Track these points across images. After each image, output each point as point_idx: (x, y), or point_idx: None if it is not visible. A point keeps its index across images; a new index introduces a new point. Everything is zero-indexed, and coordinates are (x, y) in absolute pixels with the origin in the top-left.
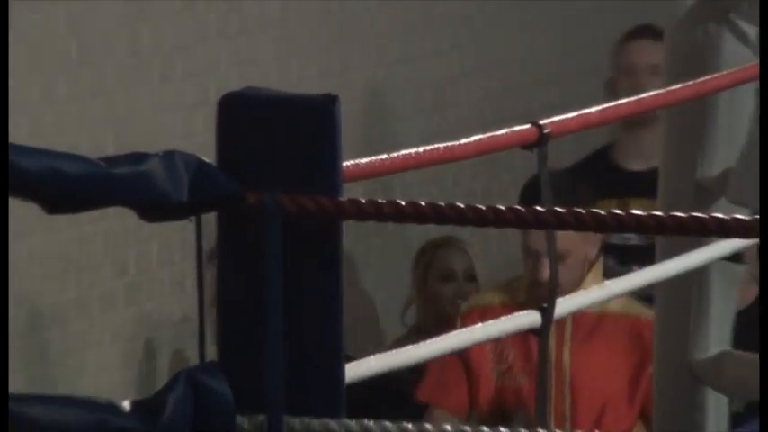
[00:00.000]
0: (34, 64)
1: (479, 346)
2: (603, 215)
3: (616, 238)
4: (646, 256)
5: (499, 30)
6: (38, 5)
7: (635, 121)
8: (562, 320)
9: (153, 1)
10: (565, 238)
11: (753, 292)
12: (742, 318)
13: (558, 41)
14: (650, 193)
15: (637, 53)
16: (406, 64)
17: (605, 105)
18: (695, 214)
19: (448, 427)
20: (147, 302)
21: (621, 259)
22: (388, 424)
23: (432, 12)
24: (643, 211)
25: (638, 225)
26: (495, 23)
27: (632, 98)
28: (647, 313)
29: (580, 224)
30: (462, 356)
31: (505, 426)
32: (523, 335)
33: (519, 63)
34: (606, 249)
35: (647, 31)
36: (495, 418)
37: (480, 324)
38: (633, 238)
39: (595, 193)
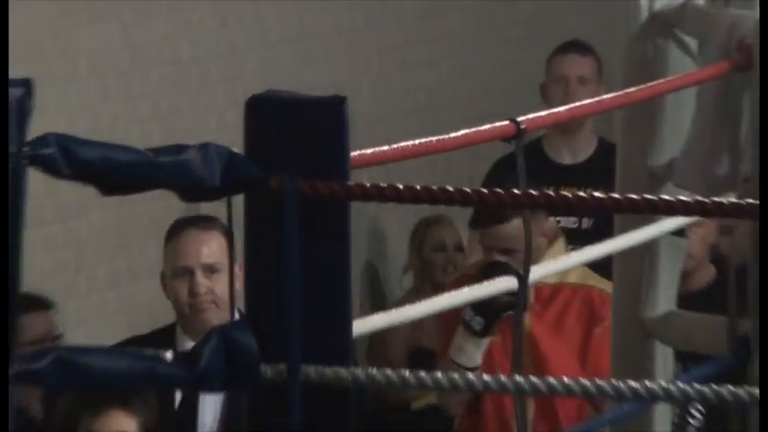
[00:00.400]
0: (92, 71)
1: (460, 308)
2: (572, 198)
3: (565, 222)
4: (592, 238)
5: (483, 42)
6: (97, 22)
7: (567, 124)
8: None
9: (192, 18)
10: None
11: (709, 273)
12: (700, 298)
13: (534, 52)
14: (577, 183)
15: (567, 65)
16: (404, 72)
17: (572, 105)
18: (647, 196)
19: (439, 374)
20: None
21: (570, 242)
22: (390, 372)
23: (425, 26)
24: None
25: (600, 206)
26: (479, 37)
27: (594, 99)
28: (600, 285)
29: (551, 205)
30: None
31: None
32: None
33: (499, 71)
34: None
35: (576, 46)
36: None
37: (467, 288)
38: (584, 222)
39: (529, 181)
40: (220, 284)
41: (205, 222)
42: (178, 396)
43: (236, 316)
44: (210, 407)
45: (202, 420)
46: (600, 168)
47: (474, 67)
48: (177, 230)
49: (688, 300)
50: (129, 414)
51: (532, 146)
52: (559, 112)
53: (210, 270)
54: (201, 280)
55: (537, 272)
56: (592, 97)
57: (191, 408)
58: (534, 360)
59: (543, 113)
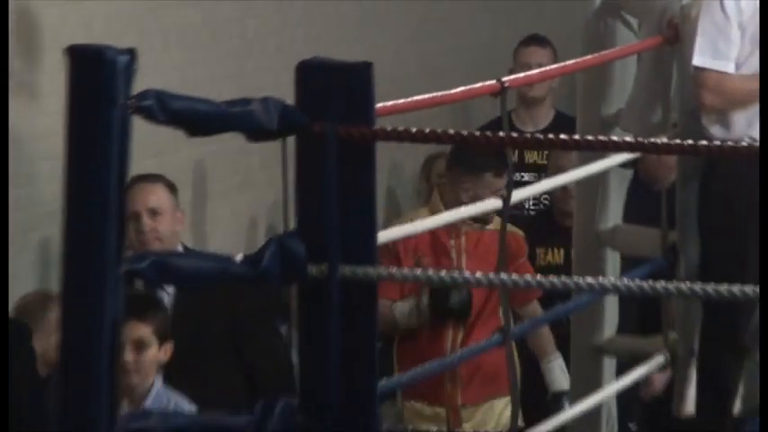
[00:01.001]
0: (180, 43)
1: (404, 243)
2: (545, 139)
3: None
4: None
5: (477, 23)
6: (183, 7)
7: (529, 99)
8: (458, 235)
9: (255, 3)
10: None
11: None
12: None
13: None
14: (537, 147)
15: (529, 55)
16: (418, 44)
17: (545, 69)
18: (600, 137)
19: (443, 273)
20: (251, 194)
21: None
22: (406, 271)
23: (439, 6)
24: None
25: (564, 145)
26: (472, 19)
27: (561, 64)
28: (514, 229)
29: (527, 144)
30: (393, 252)
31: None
32: (435, 235)
33: (488, 47)
34: None
35: (536, 39)
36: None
37: (453, 210)
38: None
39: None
40: (163, 224)
41: (152, 177)
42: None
43: (181, 249)
44: None
45: None
46: (556, 135)
47: (470, 42)
48: (130, 184)
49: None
50: (144, 323)
51: (500, 119)
52: (534, 73)
53: (154, 213)
54: (147, 221)
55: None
56: (551, 80)
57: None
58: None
59: (521, 75)
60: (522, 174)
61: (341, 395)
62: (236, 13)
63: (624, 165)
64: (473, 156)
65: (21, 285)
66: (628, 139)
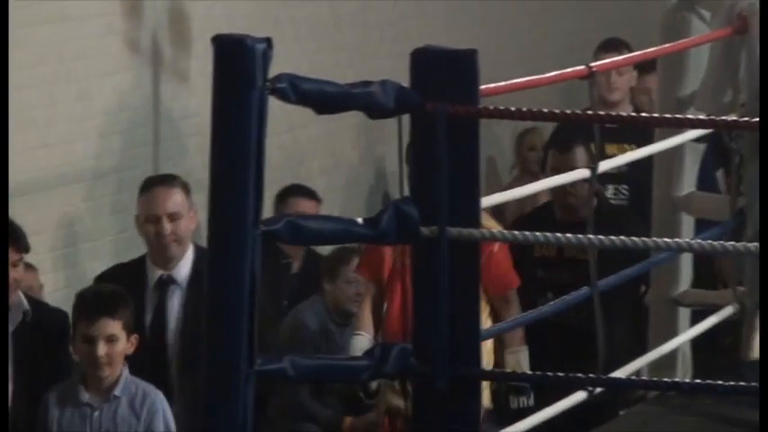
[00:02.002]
0: (310, 34)
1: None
2: (627, 116)
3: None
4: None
5: (564, 13)
6: (309, 2)
7: (608, 102)
8: None
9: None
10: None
11: None
12: None
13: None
14: (617, 140)
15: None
16: (513, 34)
17: (631, 54)
18: (678, 116)
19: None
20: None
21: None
22: (507, 233)
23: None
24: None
25: (646, 123)
26: (556, 12)
27: (645, 51)
28: (489, 222)
29: (611, 121)
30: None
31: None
32: None
33: (577, 33)
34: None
35: (611, 45)
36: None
37: (551, 178)
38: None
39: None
40: (180, 227)
41: (170, 180)
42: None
43: (192, 249)
44: (174, 307)
45: (170, 317)
46: (632, 129)
47: (558, 32)
48: (149, 186)
49: None
50: (115, 319)
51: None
52: (620, 59)
53: (173, 217)
54: (166, 225)
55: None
56: (628, 84)
57: (161, 307)
58: None
59: (608, 60)
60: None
61: (448, 341)
62: (357, 7)
63: (698, 140)
64: (564, 137)
65: None
66: (701, 116)
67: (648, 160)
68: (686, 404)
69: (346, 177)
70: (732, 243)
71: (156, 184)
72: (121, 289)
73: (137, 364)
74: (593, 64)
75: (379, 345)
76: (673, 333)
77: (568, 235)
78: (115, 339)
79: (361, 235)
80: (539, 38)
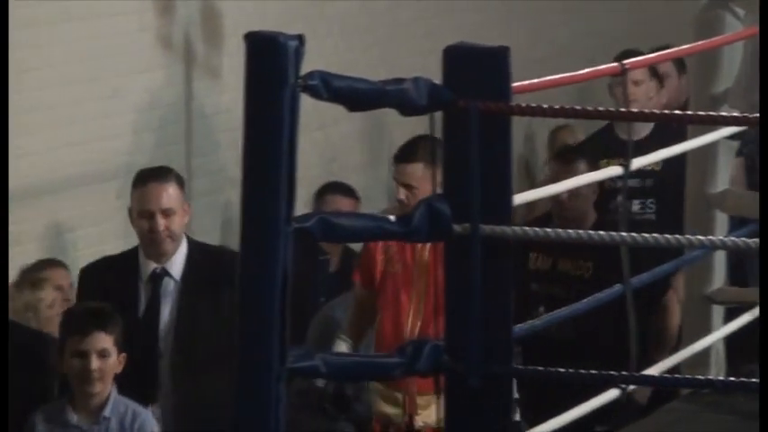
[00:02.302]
0: (343, 30)
1: (376, 242)
2: (661, 114)
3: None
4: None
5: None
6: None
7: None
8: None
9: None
10: (412, 176)
11: None
12: None
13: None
14: (654, 120)
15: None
16: (538, 32)
17: (663, 52)
18: (711, 113)
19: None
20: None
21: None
22: (540, 231)
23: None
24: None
25: (681, 119)
26: (580, 12)
27: (679, 48)
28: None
29: (642, 118)
30: (369, 247)
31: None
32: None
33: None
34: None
35: (630, 55)
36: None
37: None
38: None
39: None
40: (174, 223)
41: (164, 174)
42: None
43: (185, 242)
44: (168, 301)
45: (163, 310)
46: (655, 142)
47: (591, 29)
48: (143, 180)
49: None
50: (106, 333)
51: (608, 127)
52: (652, 57)
53: (166, 213)
54: (160, 221)
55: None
56: (646, 94)
57: (155, 300)
58: (427, 283)
59: (640, 58)
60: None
61: (481, 338)
62: (389, 4)
63: (731, 137)
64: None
65: (208, 241)
66: (735, 114)
67: (676, 176)
68: (719, 401)
69: (379, 175)
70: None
71: (150, 178)
72: (110, 306)
73: (128, 356)
74: (625, 61)
75: (411, 342)
76: (706, 331)
77: (601, 232)
78: (107, 354)
79: (392, 232)
80: (569, 36)
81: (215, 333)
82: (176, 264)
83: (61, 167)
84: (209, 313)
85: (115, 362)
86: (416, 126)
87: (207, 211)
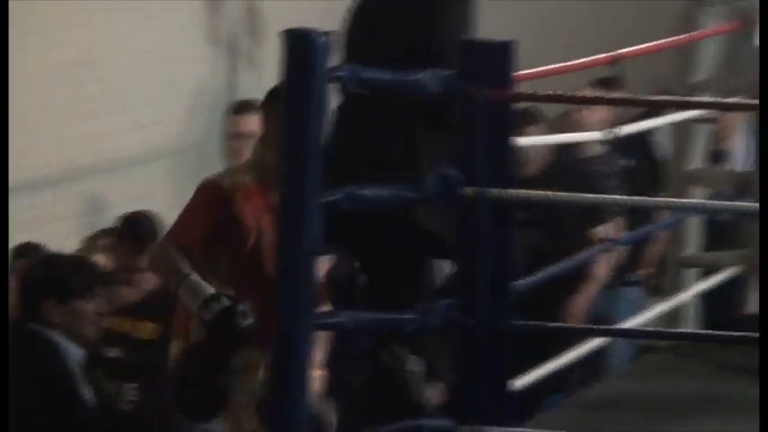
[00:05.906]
0: None
1: (251, 208)
2: (650, 99)
3: None
4: None
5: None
6: None
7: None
8: None
9: None
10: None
11: None
12: None
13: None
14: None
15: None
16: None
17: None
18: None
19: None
20: None
21: None
22: (540, 193)
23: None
24: None
25: (658, 105)
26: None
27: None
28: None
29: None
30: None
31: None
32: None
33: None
34: None
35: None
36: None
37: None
38: None
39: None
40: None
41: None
42: None
43: None
44: None
45: None
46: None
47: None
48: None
49: None
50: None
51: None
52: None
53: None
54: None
55: None
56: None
57: None
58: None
59: (631, 48)
60: None
61: (488, 295)
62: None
63: (706, 120)
64: None
65: None
66: (710, 99)
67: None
68: (693, 353)
69: None
70: (735, 203)
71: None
72: None
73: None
74: (617, 52)
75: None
76: (682, 290)
77: (605, 195)
78: None
79: (410, 198)
80: (574, 26)
81: None
82: None
83: (117, 149)
84: None
85: None
86: None
87: None
